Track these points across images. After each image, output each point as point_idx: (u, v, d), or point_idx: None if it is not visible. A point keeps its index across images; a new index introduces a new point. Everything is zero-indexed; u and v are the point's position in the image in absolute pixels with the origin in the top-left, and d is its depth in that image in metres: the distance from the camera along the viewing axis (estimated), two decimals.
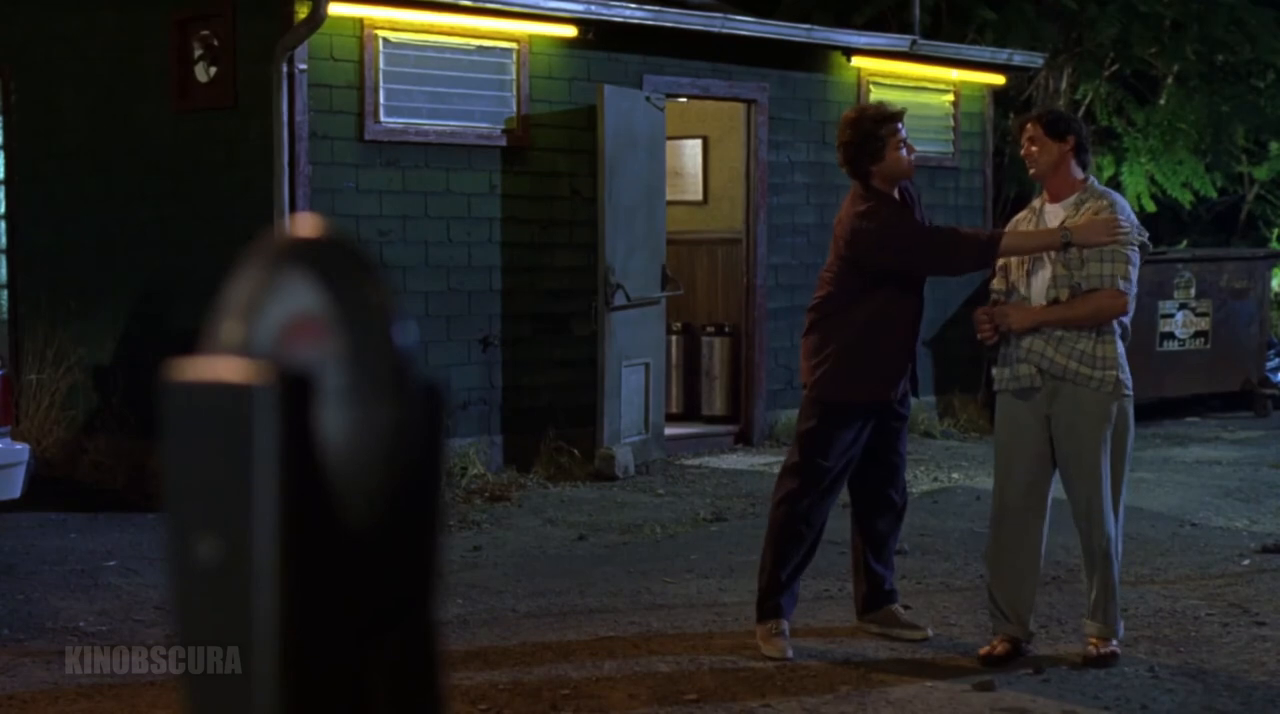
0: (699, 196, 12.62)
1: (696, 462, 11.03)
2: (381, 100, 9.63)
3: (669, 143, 11.32)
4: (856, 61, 12.16)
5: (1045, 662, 5.94)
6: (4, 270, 11.22)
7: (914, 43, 12.43)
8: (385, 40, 9.64)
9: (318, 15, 8.94)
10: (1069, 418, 5.85)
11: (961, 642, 6.26)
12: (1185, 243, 17.73)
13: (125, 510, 8.98)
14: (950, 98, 13.01)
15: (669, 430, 11.21)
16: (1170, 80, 16.58)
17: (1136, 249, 5.88)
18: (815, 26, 12.29)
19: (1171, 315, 13.10)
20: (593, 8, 10.26)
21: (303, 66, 9.22)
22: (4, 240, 11.20)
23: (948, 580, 7.41)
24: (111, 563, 7.73)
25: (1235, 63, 16.50)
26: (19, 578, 7.41)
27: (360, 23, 9.55)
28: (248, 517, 0.89)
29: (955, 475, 10.48)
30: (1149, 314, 12.44)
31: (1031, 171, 6.13)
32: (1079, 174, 6.01)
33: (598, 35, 10.46)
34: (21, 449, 7.63)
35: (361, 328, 0.93)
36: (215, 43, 9.64)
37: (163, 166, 10.01)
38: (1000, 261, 6.08)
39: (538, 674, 5.80)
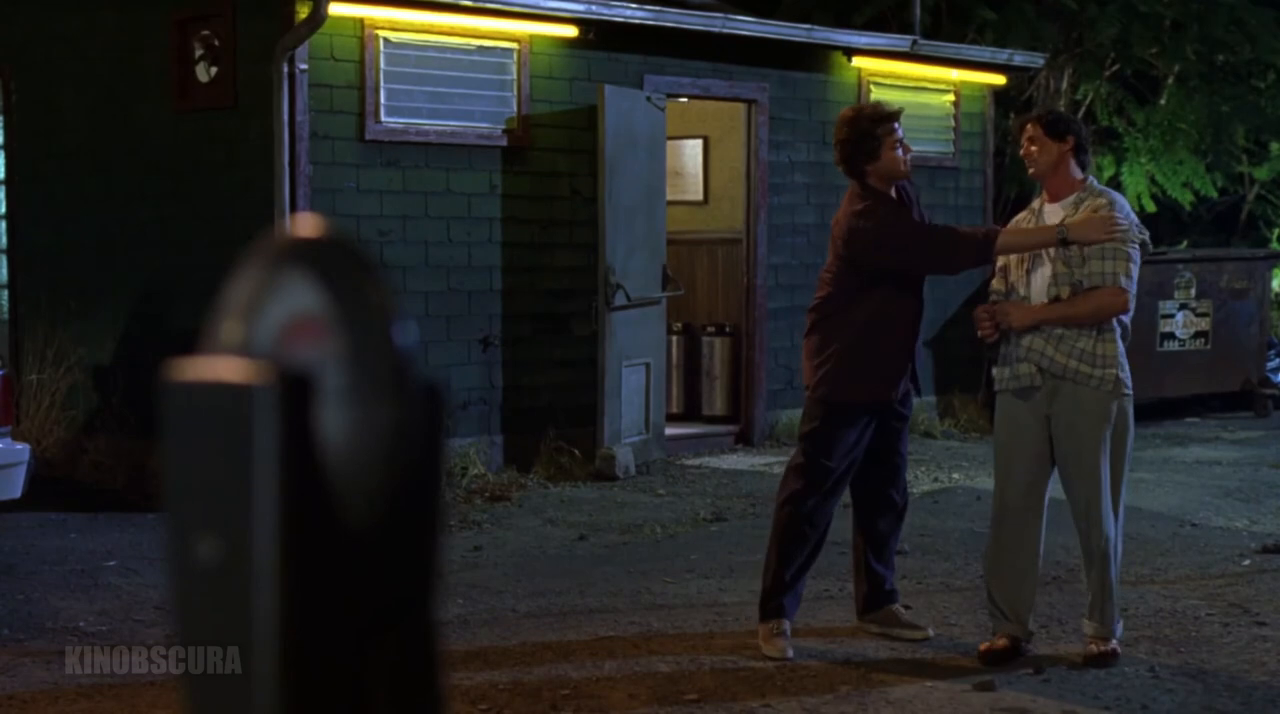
0: (699, 196, 12.62)
1: (697, 462, 11.03)
2: (382, 100, 9.63)
3: (669, 143, 11.32)
4: (857, 61, 12.16)
5: (1045, 662, 5.94)
6: (4, 270, 11.22)
7: (914, 43, 12.44)
8: (386, 40, 9.64)
9: (318, 15, 8.94)
10: (1069, 417, 5.85)
11: (961, 642, 6.27)
12: (1185, 243, 17.74)
13: (125, 510, 8.98)
14: (950, 98, 13.01)
15: (669, 430, 11.21)
16: (1170, 80, 16.58)
17: (1137, 247, 5.89)
18: (815, 26, 12.29)
19: (1172, 315, 13.10)
20: (593, 8, 10.26)
21: (303, 66, 9.22)
22: (4, 240, 11.20)
23: (948, 580, 7.41)
24: (111, 563, 7.73)
25: (1235, 63, 16.51)
26: (19, 578, 7.41)
27: (361, 23, 9.55)
28: (248, 517, 0.89)
29: (955, 475, 10.48)
30: (1149, 314, 12.44)
31: (1031, 171, 6.14)
32: (1078, 174, 6.01)
33: (598, 35, 10.47)
34: (22, 449, 7.63)
35: (361, 328, 0.93)
36: (215, 43, 9.64)
37: (163, 166, 10.01)
38: (1000, 262, 6.08)
39: (538, 674, 5.81)
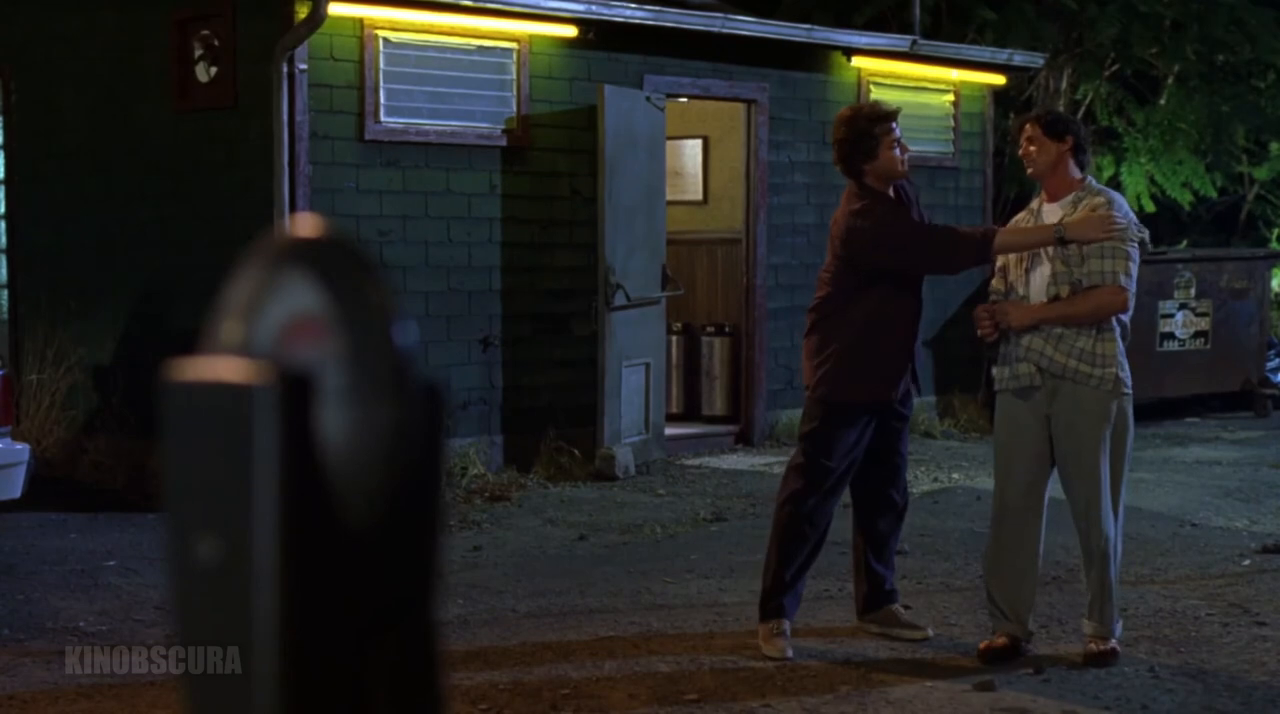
0: (699, 196, 12.62)
1: (697, 462, 11.03)
2: (382, 100, 9.63)
3: (669, 143, 11.32)
4: (857, 61, 12.16)
5: (1045, 662, 5.94)
6: (4, 270, 11.22)
7: (914, 43, 12.44)
8: (385, 40, 9.64)
9: (318, 15, 8.94)
10: (1068, 417, 5.85)
11: (961, 642, 6.27)
12: (1185, 243, 17.74)
13: (125, 510, 8.98)
14: (950, 98, 13.01)
15: (669, 430, 11.22)
16: (1170, 80, 16.58)
17: (1136, 246, 5.89)
18: (815, 26, 12.29)
19: (1171, 315, 13.10)
20: (593, 8, 10.26)
21: (303, 66, 9.22)
22: (4, 240, 11.20)
23: (948, 580, 7.41)
24: (111, 563, 7.73)
25: (1235, 63, 16.51)
26: (19, 578, 7.41)
27: (360, 23, 9.55)
28: (248, 517, 0.89)
29: (955, 475, 10.48)
30: (1149, 314, 12.44)
31: (1030, 171, 6.14)
32: (1077, 174, 6.01)
33: (598, 35, 10.47)
34: (21, 449, 7.63)
35: (361, 328, 0.93)
36: (215, 43, 9.64)
37: (163, 166, 10.01)
38: (999, 261, 6.09)
39: (538, 674, 5.81)
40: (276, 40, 9.09)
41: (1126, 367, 5.89)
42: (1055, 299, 5.85)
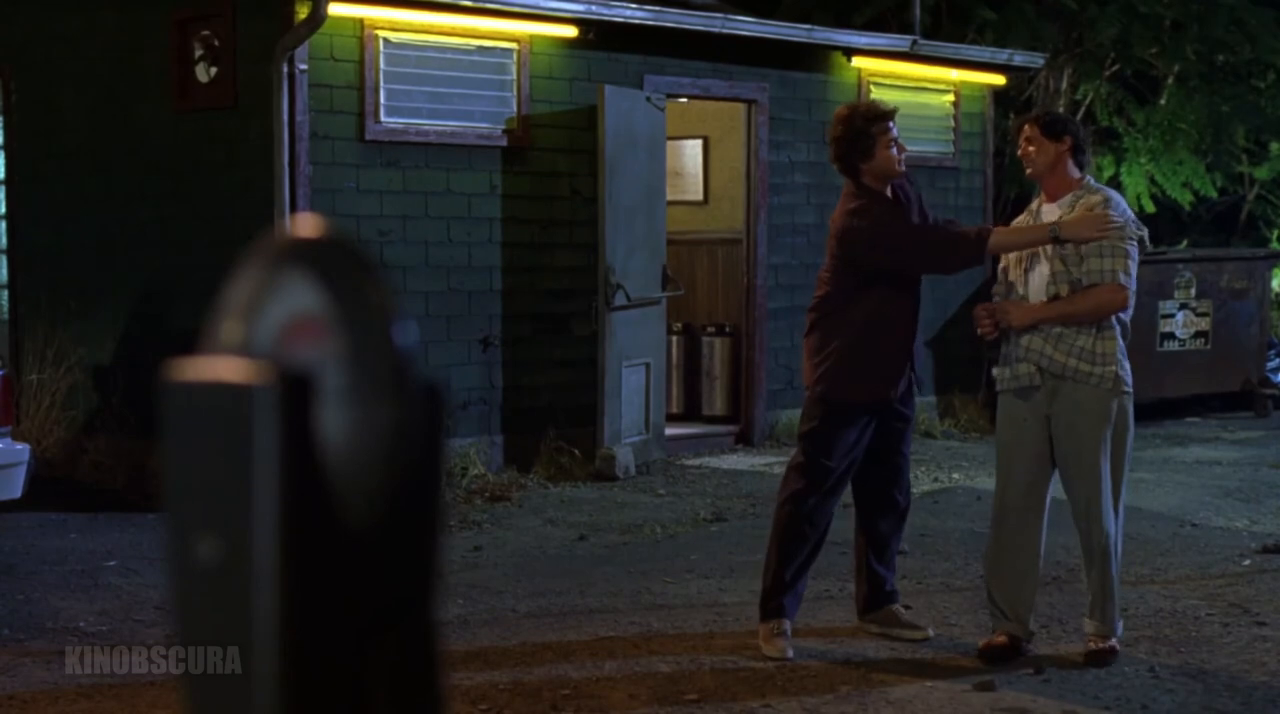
0: (699, 196, 12.62)
1: (697, 462, 11.03)
2: (382, 100, 9.63)
3: (669, 143, 11.32)
4: (857, 62, 12.16)
5: (1045, 662, 5.94)
6: (4, 270, 11.22)
7: (914, 43, 12.44)
8: (385, 40, 9.64)
9: (318, 15, 8.94)
10: (1069, 417, 5.85)
11: (961, 642, 6.27)
12: (1185, 243, 17.73)
13: (125, 510, 8.98)
14: (950, 98, 13.01)
15: (669, 430, 11.22)
16: (1170, 80, 16.58)
17: (1135, 244, 5.89)
18: (815, 26, 12.29)
19: (1172, 315, 13.10)
20: (593, 8, 10.26)
21: (303, 66, 9.22)
22: (4, 240, 11.20)
23: (948, 580, 7.41)
24: (111, 563, 7.73)
25: (1235, 63, 16.51)
26: (19, 578, 7.41)
27: (360, 23, 9.55)
28: (248, 517, 0.89)
29: (956, 476, 10.48)
30: (1149, 314, 12.44)
31: (1029, 172, 6.14)
32: (1075, 174, 6.01)
33: (598, 35, 10.46)
34: (22, 449, 7.63)
35: (361, 328, 0.93)
36: (215, 43, 9.64)
37: (163, 166, 10.01)
38: (1000, 262, 6.09)
39: (538, 674, 5.81)
40: (276, 40, 9.10)
41: (1127, 365, 5.89)
42: (1055, 298, 5.86)
